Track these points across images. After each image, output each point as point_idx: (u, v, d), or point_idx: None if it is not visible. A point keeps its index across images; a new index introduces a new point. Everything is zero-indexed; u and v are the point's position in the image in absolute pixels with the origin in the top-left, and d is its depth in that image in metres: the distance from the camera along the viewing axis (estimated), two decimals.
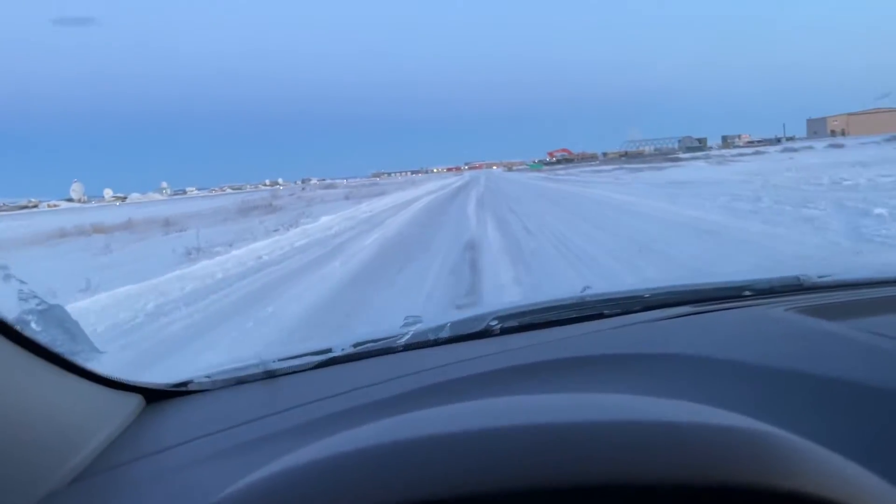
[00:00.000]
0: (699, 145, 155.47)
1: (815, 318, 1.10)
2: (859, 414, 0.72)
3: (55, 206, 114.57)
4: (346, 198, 32.93)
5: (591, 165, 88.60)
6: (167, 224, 23.04)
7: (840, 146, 59.42)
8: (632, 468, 0.42)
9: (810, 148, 64.71)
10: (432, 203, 23.95)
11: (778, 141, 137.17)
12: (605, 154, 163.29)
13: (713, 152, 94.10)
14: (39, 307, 1.04)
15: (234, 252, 10.92)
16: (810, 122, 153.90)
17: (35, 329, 0.98)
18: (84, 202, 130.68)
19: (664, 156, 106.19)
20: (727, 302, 1.32)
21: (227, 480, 0.48)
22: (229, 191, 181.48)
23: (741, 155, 66.50)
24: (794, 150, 63.74)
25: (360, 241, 11.57)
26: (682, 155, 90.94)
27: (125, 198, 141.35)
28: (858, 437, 0.67)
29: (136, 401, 1.02)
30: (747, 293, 1.37)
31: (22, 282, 1.05)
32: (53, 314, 1.06)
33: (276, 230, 15.23)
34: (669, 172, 34.56)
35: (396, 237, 12.02)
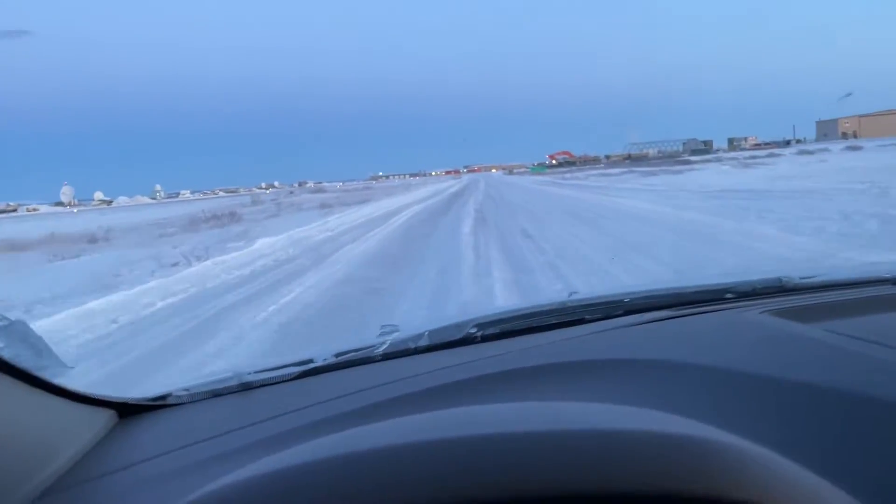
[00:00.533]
0: (704, 148, 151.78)
1: (789, 320, 1.10)
2: (823, 419, 0.73)
3: (34, 210, 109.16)
4: (322, 206, 28.03)
5: (596, 168, 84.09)
6: (87, 241, 18.70)
7: (859, 148, 55.19)
8: (571, 478, 0.41)
9: (826, 150, 60.89)
10: (417, 218, 18.80)
11: (787, 143, 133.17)
12: (607, 157, 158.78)
13: (725, 155, 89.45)
14: (1, 323, 1.03)
15: None
16: (820, 123, 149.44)
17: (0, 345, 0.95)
18: (74, 205, 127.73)
19: (671, 158, 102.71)
20: (708, 305, 1.30)
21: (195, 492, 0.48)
22: (221, 194, 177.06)
23: (754, 158, 62.61)
24: (811, 152, 59.84)
25: (261, 305, 6.36)
26: (692, 158, 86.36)
27: (111, 202, 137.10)
28: (820, 442, 0.68)
29: (107, 416, 0.99)
30: (729, 296, 1.35)
31: None
32: (16, 330, 1.05)
33: (175, 264, 10.20)
34: (697, 177, 29.78)
35: (340, 289, 6.88)
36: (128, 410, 1.03)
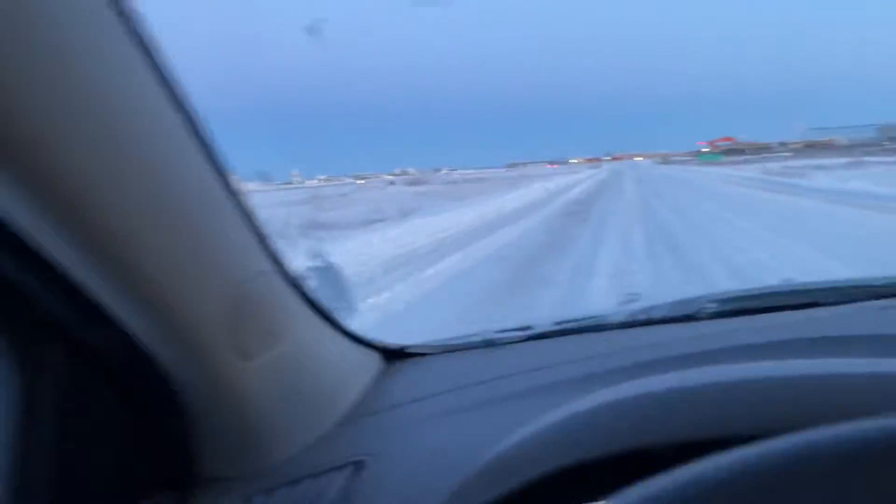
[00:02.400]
0: None
1: None
2: None
3: None
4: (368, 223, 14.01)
5: (780, 158, 64.11)
6: None
7: None
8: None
9: None
10: None
11: None
12: (782, 144, 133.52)
13: None
14: (321, 265, 1.16)
15: None
16: None
17: (314, 285, 1.04)
18: None
19: (866, 147, 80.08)
20: None
21: (480, 429, 0.60)
22: (348, 181, 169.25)
23: None
24: None
25: None
26: None
27: None
28: None
29: (376, 358, 1.08)
30: None
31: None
32: (331, 272, 1.16)
33: None
34: None
35: None
36: (389, 356, 1.10)
